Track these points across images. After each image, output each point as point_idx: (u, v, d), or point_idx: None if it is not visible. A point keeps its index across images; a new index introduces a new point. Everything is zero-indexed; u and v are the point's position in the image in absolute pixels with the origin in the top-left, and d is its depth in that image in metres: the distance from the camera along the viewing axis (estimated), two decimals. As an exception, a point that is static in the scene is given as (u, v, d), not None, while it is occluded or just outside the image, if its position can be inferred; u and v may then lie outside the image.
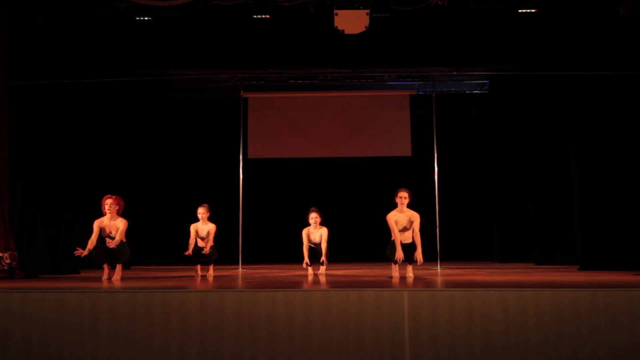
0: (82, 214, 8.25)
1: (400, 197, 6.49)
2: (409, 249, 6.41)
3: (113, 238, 6.27)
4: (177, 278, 6.79)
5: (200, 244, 7.16)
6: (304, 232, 7.11)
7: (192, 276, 7.04)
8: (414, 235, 6.45)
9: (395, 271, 6.49)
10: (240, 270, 8.71)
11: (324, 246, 6.97)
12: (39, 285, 5.47)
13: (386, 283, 5.63)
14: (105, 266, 6.40)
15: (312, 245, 7.10)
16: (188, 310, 4.51)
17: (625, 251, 7.44)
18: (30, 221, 7.45)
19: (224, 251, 7.70)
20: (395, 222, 6.46)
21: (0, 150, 6.94)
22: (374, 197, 9.95)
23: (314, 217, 7.07)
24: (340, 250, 8.73)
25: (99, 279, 6.24)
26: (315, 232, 7.06)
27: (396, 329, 4.43)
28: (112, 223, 6.37)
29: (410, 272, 6.51)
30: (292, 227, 7.58)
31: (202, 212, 7.17)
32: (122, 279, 6.35)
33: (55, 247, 7.61)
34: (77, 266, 7.68)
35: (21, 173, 7.34)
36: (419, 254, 6.38)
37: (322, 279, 6.49)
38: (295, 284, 5.77)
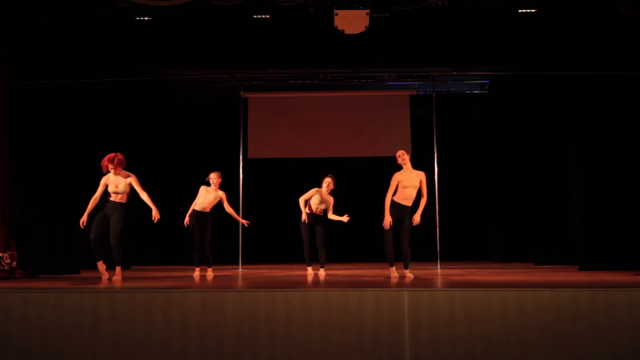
0: (82, 214, 8.24)
1: (400, 156, 6.39)
2: (406, 211, 6.30)
3: (118, 193, 6.36)
4: (177, 278, 6.78)
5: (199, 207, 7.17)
6: (314, 191, 7.18)
7: (192, 276, 7.02)
8: (421, 195, 6.32)
9: (393, 272, 6.43)
10: (240, 270, 8.71)
11: (331, 215, 7.10)
12: (39, 285, 5.46)
13: (386, 283, 5.63)
14: (101, 263, 6.34)
15: (309, 212, 7.16)
16: (188, 310, 4.51)
17: (625, 251, 7.44)
18: (30, 221, 7.45)
19: (224, 251, 7.69)
20: (399, 181, 6.29)
21: (0, 150, 6.94)
22: (374, 197, 9.93)
23: (328, 181, 7.19)
24: (340, 250, 8.74)
25: (99, 279, 6.23)
26: (326, 197, 7.17)
27: (396, 329, 4.43)
28: (118, 177, 6.38)
29: (408, 272, 6.46)
30: (293, 227, 7.58)
31: (213, 177, 7.23)
32: (122, 279, 6.34)
33: (55, 247, 7.61)
34: (77, 266, 7.69)
35: (21, 173, 7.34)
36: (417, 215, 6.26)
37: (322, 279, 6.49)
38: (295, 284, 5.77)
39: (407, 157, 6.41)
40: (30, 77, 7.48)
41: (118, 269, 6.37)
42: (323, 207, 7.17)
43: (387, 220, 6.22)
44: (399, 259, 6.40)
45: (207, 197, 7.20)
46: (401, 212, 6.30)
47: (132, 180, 6.41)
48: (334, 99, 11.04)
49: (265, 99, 11.07)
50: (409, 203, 6.33)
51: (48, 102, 7.69)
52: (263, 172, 11.01)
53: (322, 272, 7.08)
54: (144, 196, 6.38)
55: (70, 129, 8.02)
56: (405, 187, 6.31)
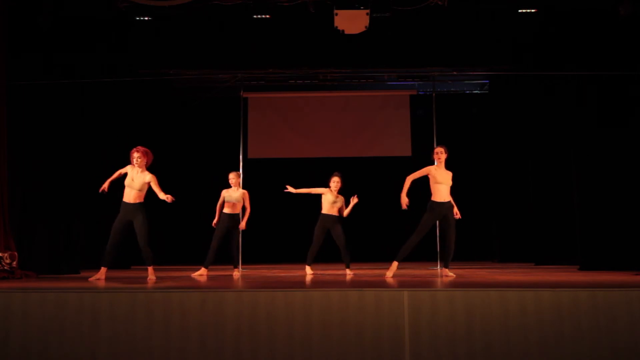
0: (82, 214, 8.25)
1: (437, 153, 6.50)
2: (446, 206, 6.46)
3: (133, 189, 6.17)
4: (177, 278, 6.78)
5: (228, 209, 7.26)
6: (323, 190, 7.25)
7: (190, 276, 7.01)
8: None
9: (394, 267, 6.46)
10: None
11: (346, 211, 7.20)
12: (39, 285, 5.46)
13: (386, 283, 5.63)
14: (104, 269, 6.30)
15: (325, 214, 7.19)
16: (188, 310, 4.51)
17: (625, 251, 7.43)
18: (30, 221, 7.44)
19: (224, 251, 7.69)
20: (434, 177, 6.40)
21: (0, 150, 6.94)
22: (374, 198, 9.95)
23: (336, 180, 7.24)
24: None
25: (100, 279, 6.21)
26: (338, 200, 7.21)
27: (396, 329, 4.43)
28: (138, 175, 6.22)
29: (449, 272, 6.56)
30: (293, 227, 7.58)
31: (232, 177, 7.30)
32: (121, 278, 6.32)
33: (55, 247, 7.61)
34: (77, 266, 7.69)
35: (21, 173, 7.33)
36: (456, 209, 6.53)
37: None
38: (295, 284, 5.77)
39: (443, 156, 6.49)
40: (30, 77, 7.48)
41: (150, 269, 6.31)
42: (338, 205, 7.23)
43: (404, 200, 6.27)
44: (407, 259, 6.44)
45: (230, 197, 7.27)
46: (443, 210, 6.45)
47: (152, 180, 6.19)
48: (334, 99, 11.04)
49: (265, 99, 11.08)
50: (447, 199, 6.48)
51: (48, 102, 7.68)
52: (263, 172, 11.01)
53: (348, 272, 7.12)
54: (161, 196, 6.12)
55: (70, 129, 8.02)
56: (439, 184, 6.43)
